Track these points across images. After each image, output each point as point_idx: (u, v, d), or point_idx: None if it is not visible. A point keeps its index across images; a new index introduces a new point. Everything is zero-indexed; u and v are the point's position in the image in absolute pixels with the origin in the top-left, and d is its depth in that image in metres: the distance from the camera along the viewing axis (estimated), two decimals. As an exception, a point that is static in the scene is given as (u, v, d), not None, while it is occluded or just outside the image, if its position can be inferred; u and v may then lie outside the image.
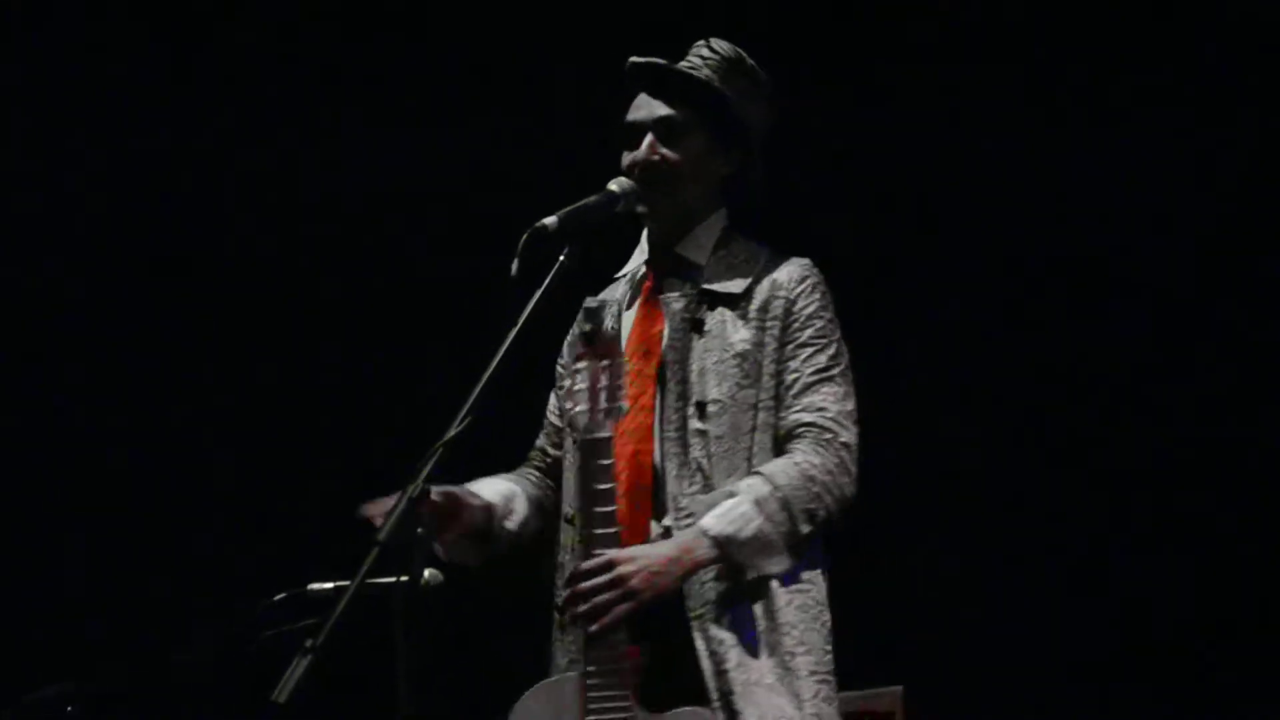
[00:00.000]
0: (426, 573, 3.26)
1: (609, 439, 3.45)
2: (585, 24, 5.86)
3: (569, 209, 3.55)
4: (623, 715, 3.40)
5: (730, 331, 3.68)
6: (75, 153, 6.13)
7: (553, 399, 3.97)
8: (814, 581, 3.63)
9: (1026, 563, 5.49)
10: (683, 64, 3.77)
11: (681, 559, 3.47)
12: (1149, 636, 5.40)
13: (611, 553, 3.42)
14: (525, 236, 3.44)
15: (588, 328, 3.45)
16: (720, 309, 3.71)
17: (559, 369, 3.95)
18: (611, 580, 3.40)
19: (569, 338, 3.89)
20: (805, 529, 3.51)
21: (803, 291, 3.70)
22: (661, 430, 3.65)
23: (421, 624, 3.05)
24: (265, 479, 5.96)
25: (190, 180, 6.11)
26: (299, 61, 6.10)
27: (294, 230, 6.06)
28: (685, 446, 3.61)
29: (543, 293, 3.43)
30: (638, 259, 3.89)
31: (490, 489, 3.80)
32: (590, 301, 3.51)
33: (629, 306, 3.83)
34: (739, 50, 3.80)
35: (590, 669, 3.42)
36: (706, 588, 3.53)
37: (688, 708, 3.47)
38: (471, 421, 3.19)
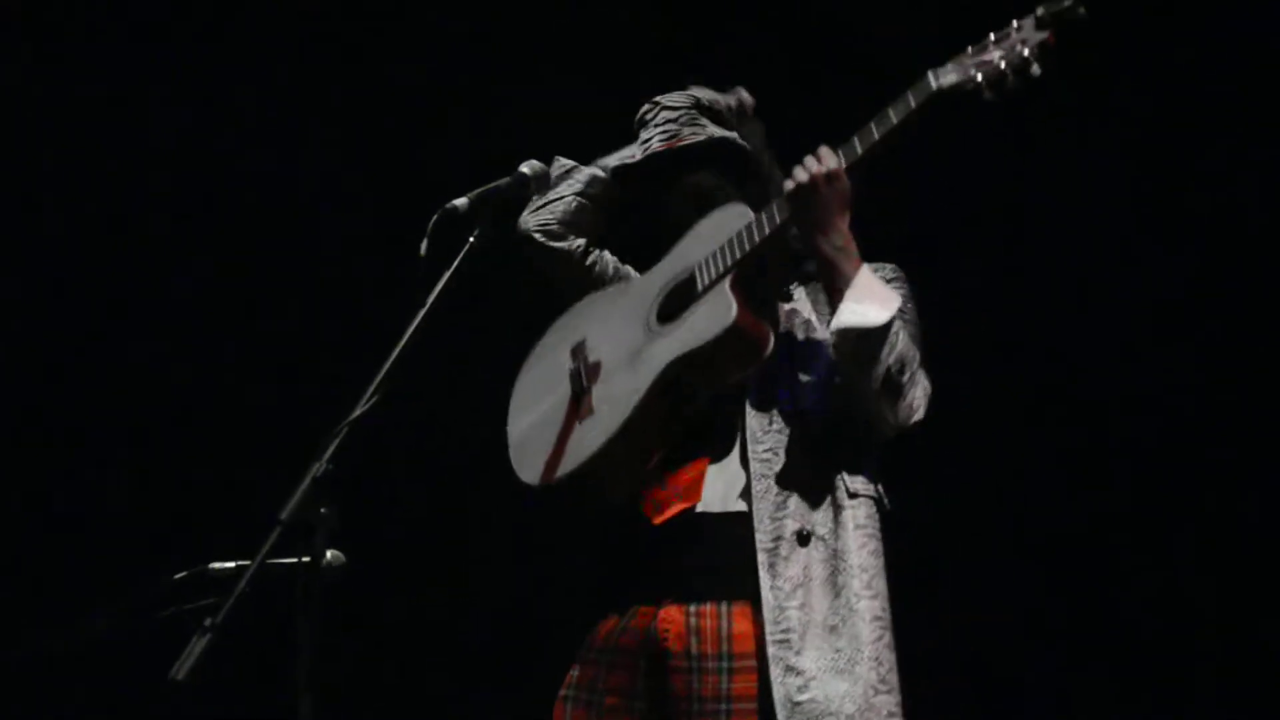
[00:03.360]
0: (328, 553, 3.24)
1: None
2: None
3: (480, 190, 3.55)
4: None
5: (813, 298, 3.77)
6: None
7: None
8: (879, 531, 3.66)
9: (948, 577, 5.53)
10: (659, 139, 3.86)
11: (846, 234, 3.56)
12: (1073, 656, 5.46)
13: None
14: (435, 217, 3.45)
15: None
16: (799, 288, 3.82)
17: None
18: (831, 173, 3.52)
19: None
20: (894, 365, 3.55)
21: (897, 279, 3.74)
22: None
23: (322, 604, 3.04)
24: (167, 457, 5.92)
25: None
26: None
27: (198, 215, 6.03)
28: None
29: (452, 273, 3.43)
30: None
31: None
32: None
33: None
34: (692, 94, 3.89)
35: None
36: (780, 523, 3.55)
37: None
38: (378, 401, 3.19)
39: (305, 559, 3.05)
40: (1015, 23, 3.42)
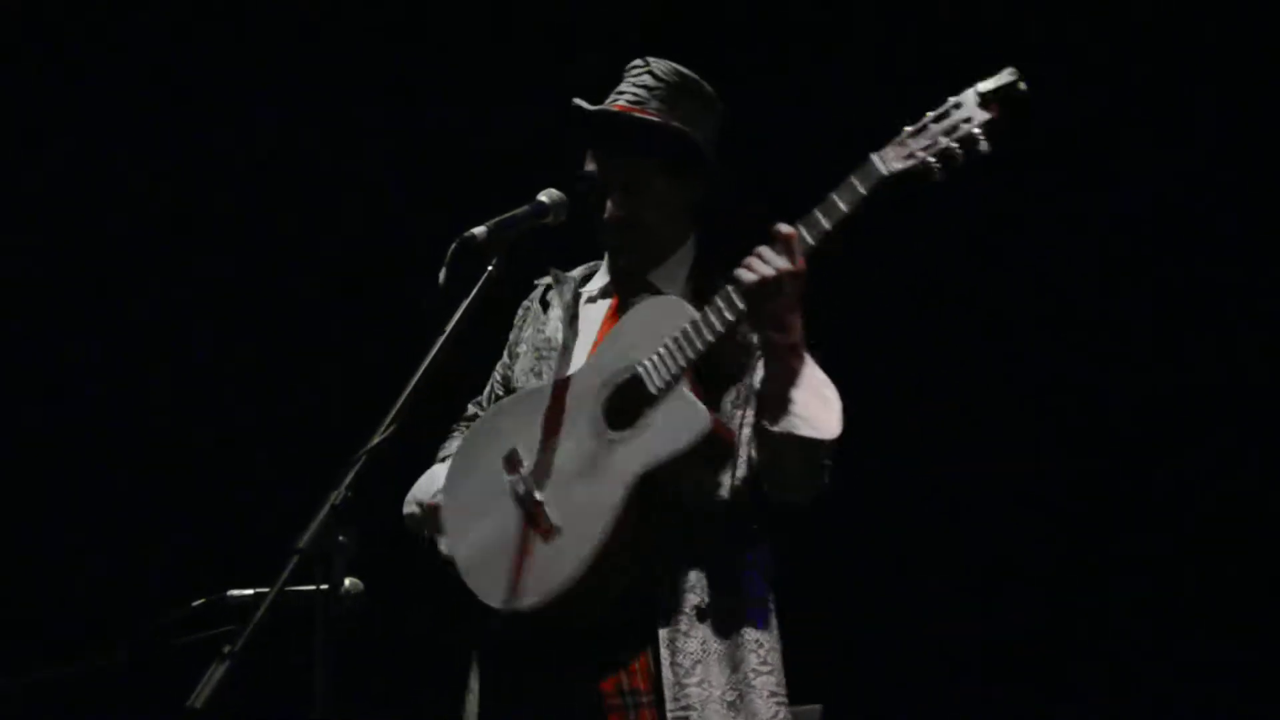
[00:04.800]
0: (347, 581, 3.24)
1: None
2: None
3: (498, 219, 3.54)
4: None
5: None
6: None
7: (499, 369, 3.97)
8: (773, 604, 3.65)
9: (945, 580, 5.52)
10: (626, 99, 3.75)
11: (799, 329, 3.47)
12: (1071, 655, 5.45)
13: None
14: (453, 246, 3.43)
15: None
16: None
17: (511, 338, 3.96)
18: (795, 272, 3.40)
19: (521, 309, 3.94)
20: (828, 461, 3.53)
21: None
22: None
23: (340, 632, 3.04)
24: (187, 484, 5.93)
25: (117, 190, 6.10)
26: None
27: (233, 232, 6.05)
28: None
29: (470, 302, 3.42)
30: (599, 281, 3.89)
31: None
32: None
33: (582, 298, 3.86)
34: (679, 69, 3.78)
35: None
36: (681, 596, 3.52)
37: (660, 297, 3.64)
38: (396, 430, 3.18)
39: (324, 587, 3.06)
40: (951, 99, 3.38)
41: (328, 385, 5.87)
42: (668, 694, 3.48)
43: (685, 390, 3.48)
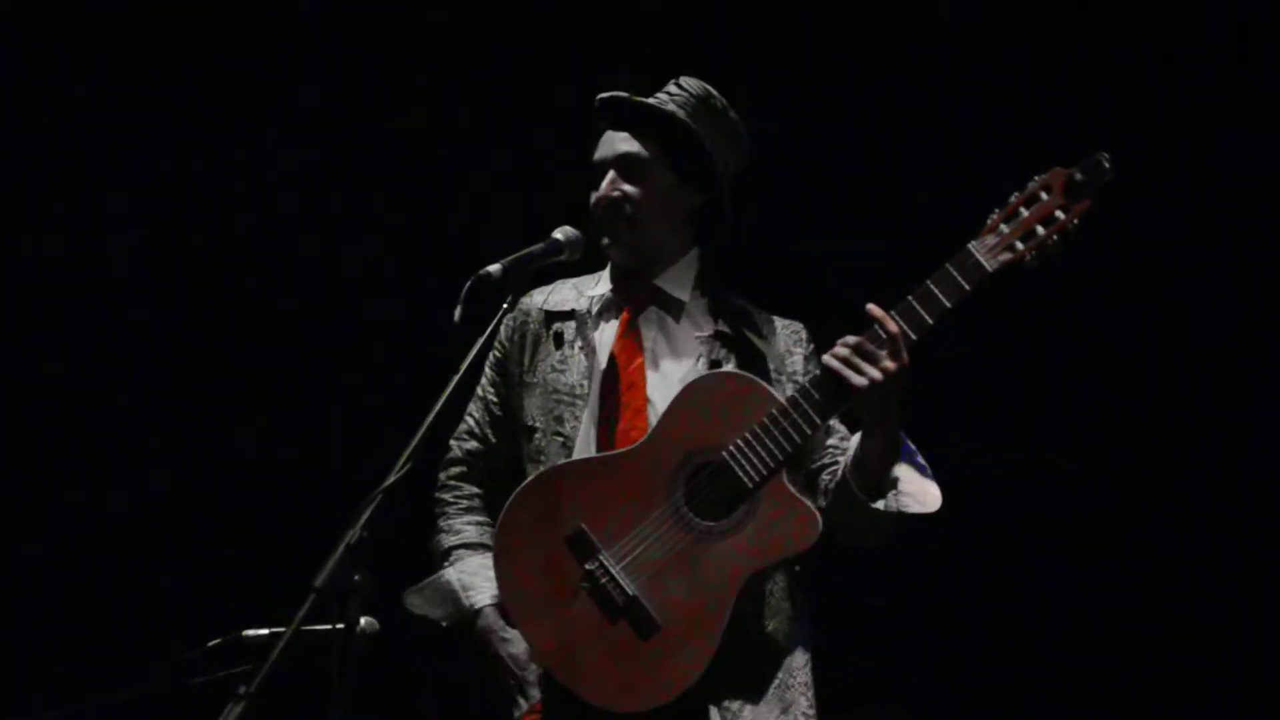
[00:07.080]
0: (362, 620, 3.23)
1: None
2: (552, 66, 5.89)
3: (513, 257, 3.54)
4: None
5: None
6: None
7: (489, 390, 3.94)
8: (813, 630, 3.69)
9: (975, 603, 5.51)
10: (649, 99, 3.79)
11: (899, 411, 3.49)
12: (1100, 678, 5.44)
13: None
14: (469, 283, 3.43)
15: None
16: (731, 354, 3.74)
17: (495, 354, 3.93)
18: (903, 368, 3.42)
19: (512, 324, 3.90)
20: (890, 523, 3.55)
21: (812, 353, 3.78)
22: None
23: (356, 671, 3.03)
24: (201, 523, 5.92)
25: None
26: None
27: (238, 279, 6.05)
28: None
29: (485, 340, 3.43)
30: (602, 287, 3.89)
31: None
32: None
33: (594, 328, 3.85)
34: (708, 87, 3.81)
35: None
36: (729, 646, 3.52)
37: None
38: (411, 468, 3.18)
39: (339, 626, 3.05)
40: (1035, 182, 3.46)
41: (341, 424, 5.86)
42: None
43: (789, 488, 3.52)
